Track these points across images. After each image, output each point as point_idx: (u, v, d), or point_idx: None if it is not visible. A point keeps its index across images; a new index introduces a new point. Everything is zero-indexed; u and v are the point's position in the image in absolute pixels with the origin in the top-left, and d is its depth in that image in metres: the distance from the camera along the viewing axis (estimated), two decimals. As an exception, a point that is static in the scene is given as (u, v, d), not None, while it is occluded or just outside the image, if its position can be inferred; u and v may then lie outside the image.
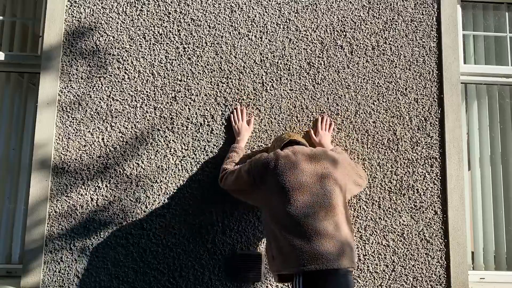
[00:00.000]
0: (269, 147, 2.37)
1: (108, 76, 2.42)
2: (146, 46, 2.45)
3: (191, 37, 2.47)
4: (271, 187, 1.93)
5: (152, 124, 2.39)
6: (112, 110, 2.40)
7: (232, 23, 2.49)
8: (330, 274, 1.77)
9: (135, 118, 2.39)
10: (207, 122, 2.40)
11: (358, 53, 2.50)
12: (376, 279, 2.33)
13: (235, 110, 2.39)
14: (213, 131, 2.40)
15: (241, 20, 2.49)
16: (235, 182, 2.08)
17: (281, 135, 2.24)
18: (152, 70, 2.43)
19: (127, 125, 2.39)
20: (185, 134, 2.39)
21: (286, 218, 1.86)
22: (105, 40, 2.45)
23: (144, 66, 2.43)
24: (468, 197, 2.55)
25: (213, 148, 2.38)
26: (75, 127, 2.38)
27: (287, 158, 1.95)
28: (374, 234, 2.36)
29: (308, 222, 1.82)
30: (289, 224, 1.84)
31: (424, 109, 2.48)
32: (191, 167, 2.37)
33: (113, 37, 2.45)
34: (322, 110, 2.43)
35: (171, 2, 2.49)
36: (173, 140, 2.38)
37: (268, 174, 1.95)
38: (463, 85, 2.65)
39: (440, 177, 2.43)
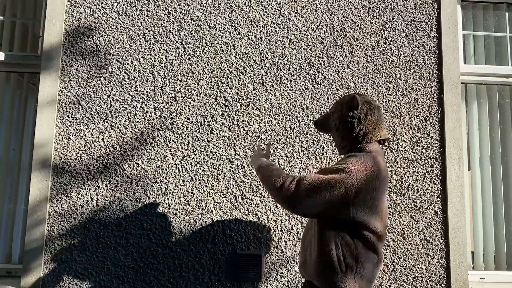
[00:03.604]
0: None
1: (108, 76, 2.42)
2: (146, 46, 2.45)
3: (191, 37, 2.46)
4: None
5: (152, 124, 2.39)
6: (112, 110, 2.40)
7: (232, 23, 2.48)
8: None
9: (135, 118, 2.39)
10: (207, 122, 2.40)
11: (358, 53, 2.50)
12: (376, 279, 2.33)
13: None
14: (213, 131, 2.40)
15: (241, 20, 2.49)
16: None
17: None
18: (152, 70, 2.43)
19: (127, 125, 2.39)
20: (185, 134, 2.39)
21: None
22: (105, 40, 2.45)
23: (144, 66, 2.43)
24: (468, 197, 2.55)
25: (213, 148, 2.38)
26: (75, 127, 2.38)
27: None
28: (374, 234, 2.36)
29: None
30: None
31: (424, 109, 2.48)
32: (191, 167, 2.37)
33: (113, 37, 2.45)
34: (322, 111, 2.44)
35: (171, 2, 2.49)
36: (173, 140, 2.38)
37: None
38: (463, 85, 2.65)
39: (440, 177, 2.43)
